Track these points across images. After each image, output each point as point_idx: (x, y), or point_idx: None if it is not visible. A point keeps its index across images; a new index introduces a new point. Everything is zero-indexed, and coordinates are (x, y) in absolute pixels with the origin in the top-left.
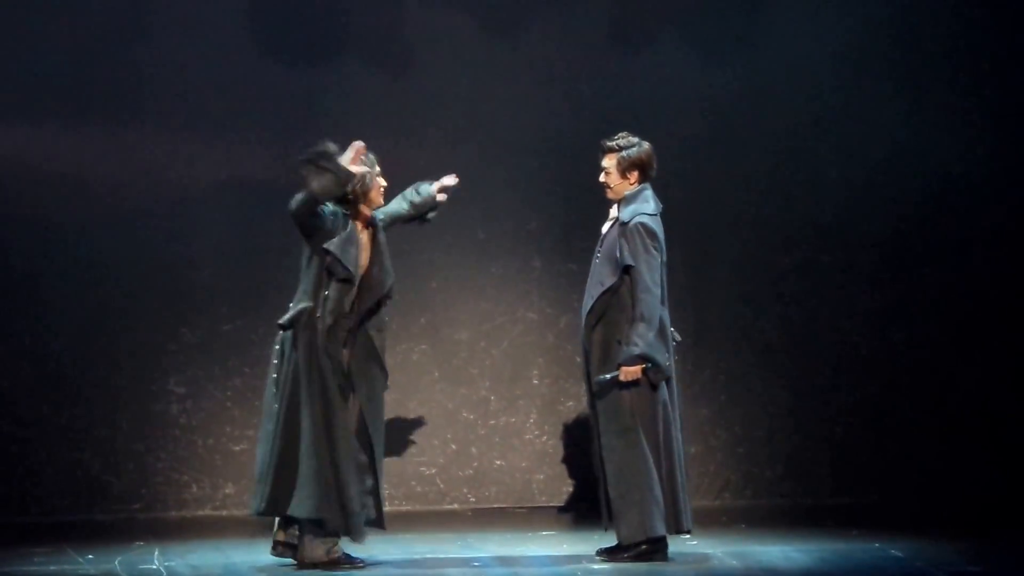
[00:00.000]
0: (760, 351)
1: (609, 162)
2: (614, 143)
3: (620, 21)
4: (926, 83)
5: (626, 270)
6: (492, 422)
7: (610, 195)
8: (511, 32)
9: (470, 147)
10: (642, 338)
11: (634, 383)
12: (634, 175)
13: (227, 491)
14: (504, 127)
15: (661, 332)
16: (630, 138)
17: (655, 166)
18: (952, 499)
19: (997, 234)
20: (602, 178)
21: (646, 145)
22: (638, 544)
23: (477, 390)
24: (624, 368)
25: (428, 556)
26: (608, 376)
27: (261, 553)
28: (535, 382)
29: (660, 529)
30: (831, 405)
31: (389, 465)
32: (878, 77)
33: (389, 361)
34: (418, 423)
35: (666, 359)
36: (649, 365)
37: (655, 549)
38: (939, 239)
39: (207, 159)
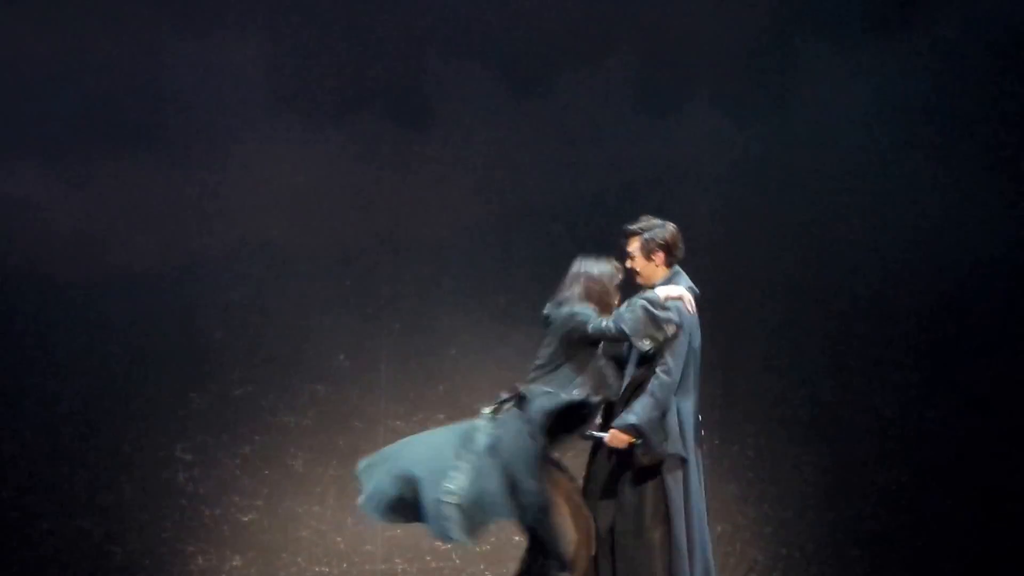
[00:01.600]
0: (791, 426)
1: (633, 246)
2: (636, 226)
3: (648, 82)
4: (962, 156)
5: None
6: None
7: (640, 281)
8: (536, 91)
9: (492, 208)
10: (644, 410)
11: (651, 476)
12: (659, 256)
13: (234, 563)
14: (528, 189)
15: (671, 418)
16: (652, 220)
17: (681, 246)
18: None
19: None
20: (628, 263)
21: (670, 226)
22: None
23: None
24: (613, 431)
25: None
26: (597, 434)
27: None
28: (555, 454)
29: None
30: (863, 484)
31: (403, 539)
32: (912, 146)
33: (406, 430)
34: None
35: (660, 441)
36: (639, 441)
37: None
38: (977, 315)
39: (221, 219)
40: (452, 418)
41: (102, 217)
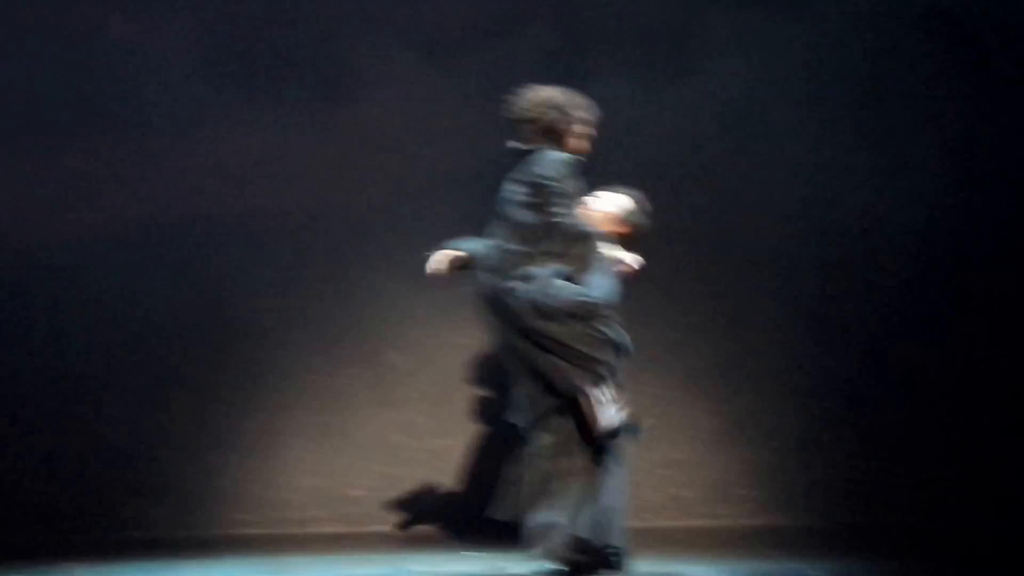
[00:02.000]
0: (684, 373)
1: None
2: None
3: (560, 53)
4: (855, 122)
5: None
6: (421, 445)
7: None
8: (453, 62)
9: (409, 177)
10: None
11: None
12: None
13: (158, 512)
14: (444, 158)
15: None
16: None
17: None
18: (877, 523)
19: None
20: None
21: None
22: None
23: (406, 413)
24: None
25: None
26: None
27: (189, 572)
28: (463, 405)
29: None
30: (756, 428)
31: (318, 488)
32: (810, 113)
33: (322, 384)
34: (348, 445)
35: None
36: None
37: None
38: (868, 270)
39: (145, 189)
40: (374, 377)
41: (28, 190)
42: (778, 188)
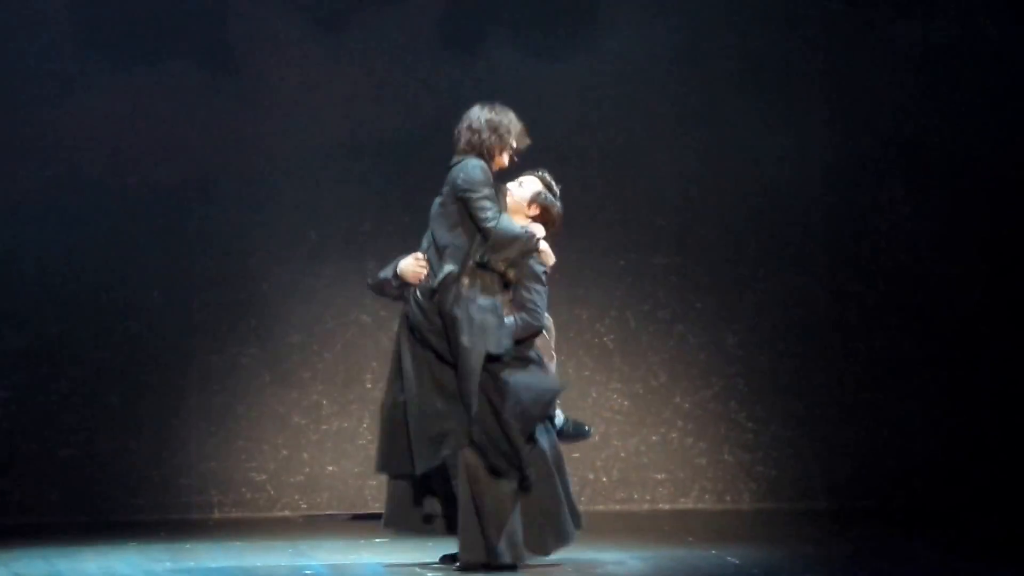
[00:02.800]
0: (596, 355)
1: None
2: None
3: (451, 17)
4: (762, 89)
5: None
6: (324, 427)
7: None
8: (341, 28)
9: (300, 147)
10: None
11: None
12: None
13: (52, 498)
14: (336, 127)
15: None
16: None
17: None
18: (790, 506)
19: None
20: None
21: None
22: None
23: (309, 394)
24: None
25: (259, 565)
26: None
27: (86, 558)
28: (368, 386)
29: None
30: (667, 409)
31: (217, 472)
32: (715, 79)
33: (219, 364)
34: (248, 428)
35: None
36: None
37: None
38: (770, 241)
39: (33, 159)
40: (264, 351)
41: None
42: (683, 163)
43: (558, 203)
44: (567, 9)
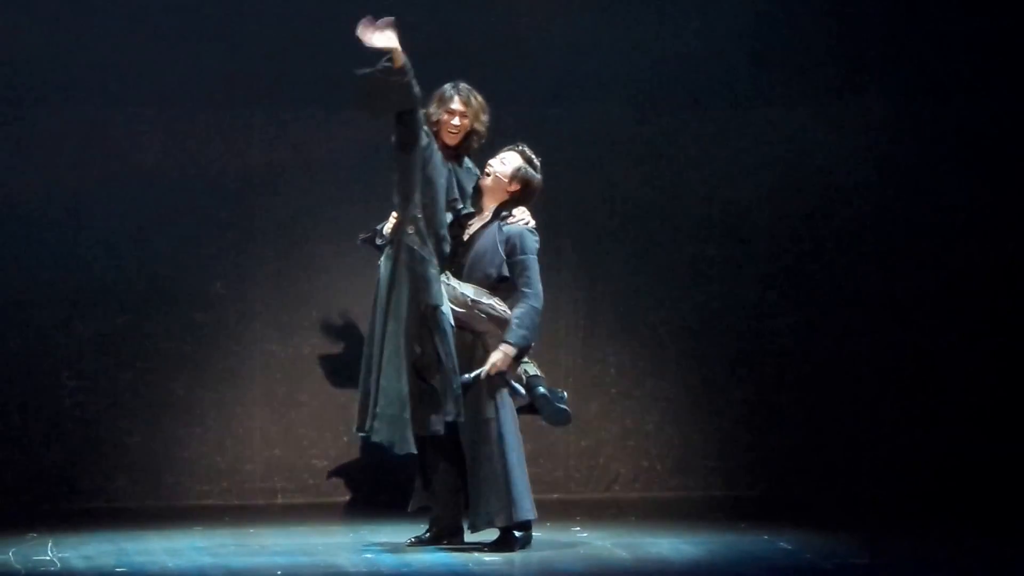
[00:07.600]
0: (650, 346)
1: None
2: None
3: None
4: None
5: None
6: None
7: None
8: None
9: (364, 140)
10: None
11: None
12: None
13: (119, 483)
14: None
15: None
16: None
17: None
18: (840, 493)
19: (880, 237)
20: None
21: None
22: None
23: None
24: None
25: (320, 548)
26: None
27: (152, 542)
28: None
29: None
30: (720, 399)
31: (281, 459)
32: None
33: (281, 354)
34: (310, 416)
35: None
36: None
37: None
38: (824, 237)
39: (98, 151)
40: (325, 342)
41: None
42: (735, 155)
43: (538, 175)
44: None
